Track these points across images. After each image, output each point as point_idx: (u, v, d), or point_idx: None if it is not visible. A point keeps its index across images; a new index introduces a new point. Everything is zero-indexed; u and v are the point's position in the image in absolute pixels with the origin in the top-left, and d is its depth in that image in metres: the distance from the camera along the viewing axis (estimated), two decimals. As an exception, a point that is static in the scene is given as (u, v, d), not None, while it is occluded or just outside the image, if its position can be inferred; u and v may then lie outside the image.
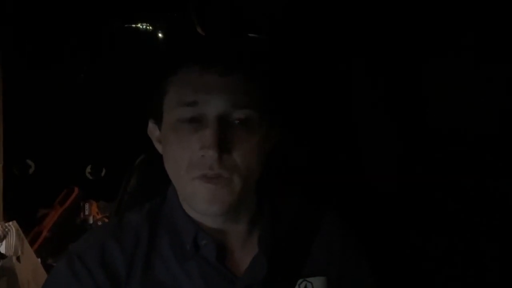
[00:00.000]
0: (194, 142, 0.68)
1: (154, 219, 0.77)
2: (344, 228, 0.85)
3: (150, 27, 2.62)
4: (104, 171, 2.67)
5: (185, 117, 0.68)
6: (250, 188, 0.72)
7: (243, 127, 0.69)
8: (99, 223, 2.29)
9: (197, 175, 0.68)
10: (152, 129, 0.77)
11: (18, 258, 1.66)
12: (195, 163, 0.68)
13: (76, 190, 2.35)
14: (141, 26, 2.63)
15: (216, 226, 0.74)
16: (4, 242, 1.66)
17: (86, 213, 2.33)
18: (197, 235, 0.73)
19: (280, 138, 0.78)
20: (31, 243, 1.99)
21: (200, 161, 0.67)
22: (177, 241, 0.74)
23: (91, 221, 2.32)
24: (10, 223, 1.73)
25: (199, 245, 0.73)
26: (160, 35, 2.62)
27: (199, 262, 0.72)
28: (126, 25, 2.62)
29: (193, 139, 0.68)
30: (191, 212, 0.75)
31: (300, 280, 0.76)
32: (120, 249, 0.72)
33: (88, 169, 2.66)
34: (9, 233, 1.69)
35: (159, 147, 0.76)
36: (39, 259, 1.89)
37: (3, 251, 1.65)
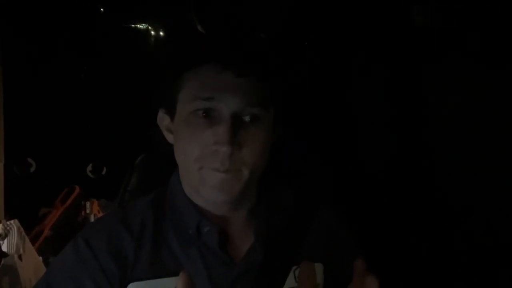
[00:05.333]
0: (207, 136, 0.71)
1: (159, 206, 0.79)
2: (338, 218, 0.88)
3: (152, 26, 2.62)
4: (105, 169, 2.67)
5: (200, 109, 0.71)
6: (255, 179, 0.76)
7: (253, 124, 0.72)
8: (100, 221, 2.29)
9: (207, 167, 0.71)
10: (162, 118, 0.80)
11: (19, 257, 1.67)
12: (207, 155, 0.71)
13: (77, 188, 2.35)
14: (142, 24, 2.63)
15: (219, 213, 0.77)
16: (5, 241, 1.67)
17: (87, 211, 2.33)
18: (200, 221, 0.75)
19: (282, 133, 0.80)
20: (33, 242, 1.99)
21: (212, 155, 0.71)
22: (180, 227, 0.76)
23: (92, 219, 2.32)
24: (12, 221, 1.73)
25: (202, 232, 0.75)
26: (162, 33, 2.62)
27: (200, 247, 0.75)
28: (126, 23, 2.62)
29: (207, 133, 0.71)
30: (196, 199, 0.77)
31: (295, 267, 0.78)
32: (128, 233, 0.74)
33: (89, 168, 2.66)
34: (10, 231, 1.69)
35: (168, 136, 0.79)
36: (40, 258, 1.90)
37: (4, 250, 1.66)
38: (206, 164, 0.71)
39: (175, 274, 0.71)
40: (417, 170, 1.43)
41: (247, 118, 0.72)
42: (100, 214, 2.35)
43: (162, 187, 0.83)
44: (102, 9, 2.42)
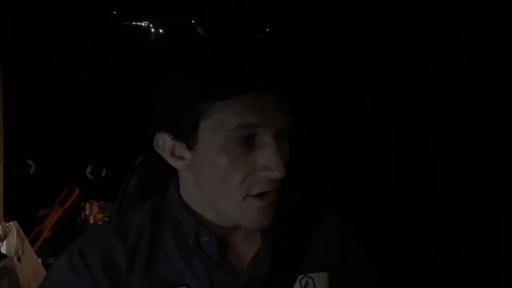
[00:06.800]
0: (253, 162, 0.67)
1: (156, 216, 0.77)
2: (344, 224, 0.86)
3: (152, 24, 2.62)
4: (104, 171, 2.67)
5: (240, 137, 0.66)
6: None
7: (286, 141, 0.71)
8: (100, 223, 2.29)
9: (254, 193, 0.68)
10: (165, 143, 0.72)
11: (19, 258, 1.66)
12: (252, 182, 0.68)
13: (77, 190, 2.35)
14: (142, 24, 2.63)
15: (219, 222, 0.75)
16: (5, 242, 1.67)
17: (87, 213, 2.33)
18: (198, 231, 0.73)
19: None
20: (32, 243, 1.99)
21: (258, 180, 0.68)
22: (180, 237, 0.74)
23: (91, 221, 2.32)
24: (11, 223, 1.73)
25: (201, 241, 0.74)
26: (162, 35, 2.62)
27: (202, 257, 0.73)
28: (127, 25, 2.62)
29: (252, 159, 0.67)
30: (196, 207, 0.75)
31: (301, 276, 0.76)
32: (121, 245, 0.73)
33: (89, 169, 2.66)
34: (10, 233, 1.69)
35: (177, 162, 0.73)
36: (39, 259, 1.90)
37: (4, 251, 1.65)
38: (251, 191, 0.68)
39: (175, 285, 0.71)
40: (422, 176, 1.43)
41: (282, 137, 0.69)
42: (100, 216, 2.35)
43: (160, 195, 0.80)
44: (102, 12, 2.41)
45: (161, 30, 2.61)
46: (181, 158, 0.72)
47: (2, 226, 1.70)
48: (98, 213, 2.36)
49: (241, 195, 0.68)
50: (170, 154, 0.73)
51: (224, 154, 0.67)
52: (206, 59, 0.69)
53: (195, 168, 0.72)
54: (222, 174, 0.68)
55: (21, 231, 1.75)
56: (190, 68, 0.70)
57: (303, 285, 0.76)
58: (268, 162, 0.66)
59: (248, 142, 0.67)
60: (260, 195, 0.68)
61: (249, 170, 0.67)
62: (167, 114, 0.70)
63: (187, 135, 0.69)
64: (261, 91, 0.65)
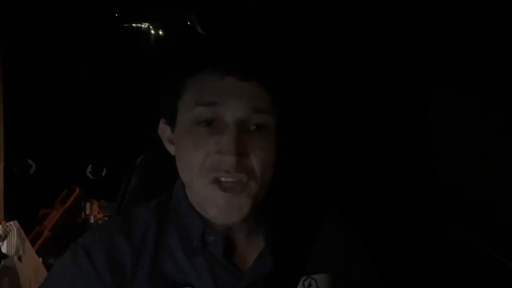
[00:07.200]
0: (210, 145, 0.67)
1: (161, 215, 0.77)
2: (346, 225, 0.86)
3: (151, 27, 2.63)
4: (105, 170, 2.67)
5: (202, 117, 0.67)
6: (264, 192, 0.72)
7: (259, 132, 0.69)
8: (100, 222, 2.29)
9: (211, 178, 0.68)
10: (163, 129, 0.76)
11: (19, 258, 1.67)
12: (210, 165, 0.67)
13: (77, 189, 2.36)
14: (142, 26, 2.63)
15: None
16: (5, 242, 1.67)
17: (87, 212, 2.33)
18: (205, 231, 0.73)
19: (287, 140, 0.78)
20: (32, 243, 1.99)
21: (215, 164, 0.67)
22: (185, 236, 0.74)
23: (92, 220, 2.33)
24: (11, 222, 1.73)
25: (207, 241, 0.73)
26: (162, 34, 2.62)
27: (206, 257, 0.73)
28: (126, 25, 2.63)
29: (210, 142, 0.67)
30: (199, 208, 0.75)
31: (304, 277, 0.76)
32: (127, 243, 0.73)
33: (89, 169, 2.66)
34: (10, 232, 1.69)
35: (170, 148, 0.76)
36: (40, 259, 1.90)
37: (4, 251, 1.66)
38: (210, 176, 0.67)
39: (179, 285, 0.71)
40: (423, 176, 1.43)
41: (252, 126, 0.68)
42: (100, 215, 2.35)
43: (165, 193, 0.81)
44: (101, 11, 2.42)
45: (159, 30, 2.62)
46: (172, 142, 0.75)
47: (2, 226, 1.70)
48: (98, 212, 2.36)
49: (203, 179, 0.68)
50: (167, 140, 0.76)
51: (188, 135, 0.69)
52: (182, 43, 0.74)
53: (176, 153, 0.74)
54: (186, 155, 0.69)
55: (21, 230, 1.75)
56: (166, 52, 0.75)
57: (306, 286, 0.76)
58: (221, 145, 0.66)
59: (212, 125, 0.68)
60: (220, 183, 0.67)
61: (208, 152, 0.67)
62: (160, 99, 0.74)
63: (171, 118, 0.73)
64: (224, 72, 0.67)
